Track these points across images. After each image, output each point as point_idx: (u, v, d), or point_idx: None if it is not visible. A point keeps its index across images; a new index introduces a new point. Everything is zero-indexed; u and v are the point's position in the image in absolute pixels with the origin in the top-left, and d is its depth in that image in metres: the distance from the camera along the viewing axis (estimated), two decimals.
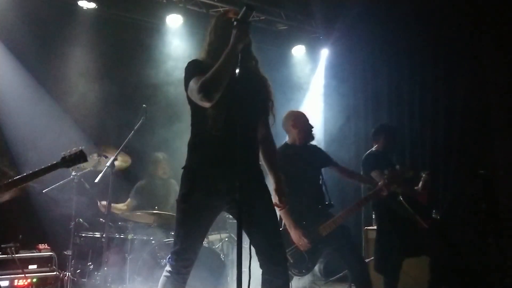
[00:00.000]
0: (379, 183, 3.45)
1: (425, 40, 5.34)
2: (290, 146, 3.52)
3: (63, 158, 2.65)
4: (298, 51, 6.58)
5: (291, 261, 3.24)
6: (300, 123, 3.51)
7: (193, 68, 2.26)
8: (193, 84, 2.17)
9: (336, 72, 6.43)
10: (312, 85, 6.67)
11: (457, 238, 3.88)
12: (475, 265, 3.96)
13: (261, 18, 5.99)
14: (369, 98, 6.12)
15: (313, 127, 3.56)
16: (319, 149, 3.69)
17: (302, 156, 3.45)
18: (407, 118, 5.55)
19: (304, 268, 3.33)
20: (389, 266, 3.67)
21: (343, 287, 4.76)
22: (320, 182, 3.53)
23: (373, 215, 4.65)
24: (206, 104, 2.15)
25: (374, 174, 3.73)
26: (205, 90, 2.09)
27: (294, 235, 3.25)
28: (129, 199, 4.69)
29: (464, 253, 3.84)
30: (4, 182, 2.49)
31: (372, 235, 4.42)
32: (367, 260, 4.11)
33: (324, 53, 6.61)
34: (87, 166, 4.04)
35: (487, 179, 4.23)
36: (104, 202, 4.17)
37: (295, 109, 3.78)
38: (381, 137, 3.96)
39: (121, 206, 4.59)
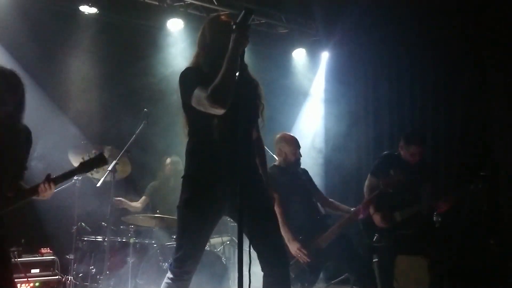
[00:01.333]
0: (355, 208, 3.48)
1: (426, 43, 5.33)
2: (277, 167, 3.63)
3: (82, 164, 2.52)
4: (299, 55, 6.59)
5: (293, 275, 3.25)
6: (290, 148, 3.61)
7: (194, 77, 2.23)
8: (200, 92, 2.13)
9: (337, 75, 6.41)
10: (313, 88, 6.67)
11: (458, 239, 3.87)
12: (476, 266, 3.95)
13: (261, 21, 6.01)
14: (370, 101, 6.10)
15: (301, 155, 3.65)
16: (309, 175, 3.80)
17: (289, 173, 3.56)
18: (408, 121, 5.55)
19: (306, 282, 3.35)
20: (385, 263, 3.68)
21: None
22: (312, 197, 3.60)
23: None
24: (219, 111, 2.12)
25: (368, 177, 3.78)
26: (217, 97, 2.08)
27: (292, 248, 3.28)
28: (144, 197, 4.72)
29: (465, 254, 3.84)
30: (23, 189, 2.43)
31: None
32: None
33: (325, 56, 6.61)
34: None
35: (487, 180, 4.23)
36: (119, 198, 4.21)
37: (287, 132, 3.85)
38: (401, 146, 3.80)
39: (135, 204, 4.61)
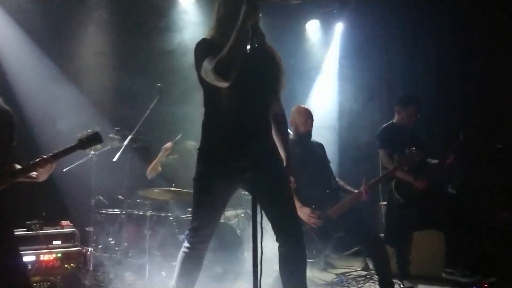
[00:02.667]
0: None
1: (442, 16, 5.20)
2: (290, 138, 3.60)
3: (80, 140, 2.66)
4: (312, 26, 6.48)
5: None
6: (301, 120, 3.60)
7: (205, 49, 2.22)
8: (207, 64, 2.13)
9: (351, 46, 6.31)
10: (326, 61, 6.58)
11: (472, 213, 3.87)
12: (491, 239, 3.96)
13: None
14: (383, 74, 6.01)
15: (311, 128, 3.64)
16: (324, 150, 3.77)
17: (303, 145, 3.54)
18: (421, 93, 5.46)
19: (314, 249, 3.39)
20: (399, 237, 3.71)
21: (357, 261, 4.82)
22: (325, 169, 3.59)
23: None
24: (224, 84, 2.11)
25: (381, 152, 3.76)
26: (221, 70, 2.06)
27: (302, 213, 3.30)
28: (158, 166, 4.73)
29: (479, 228, 3.84)
30: (29, 163, 2.51)
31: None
32: (381, 235, 4.15)
33: (339, 27, 6.49)
34: (105, 145, 4.13)
35: (502, 153, 4.18)
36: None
37: (303, 105, 3.82)
38: (398, 109, 3.90)
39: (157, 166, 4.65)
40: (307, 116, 3.63)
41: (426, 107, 5.39)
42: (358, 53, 6.16)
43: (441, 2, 5.15)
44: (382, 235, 4.16)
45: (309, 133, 3.64)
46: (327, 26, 6.50)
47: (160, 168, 4.72)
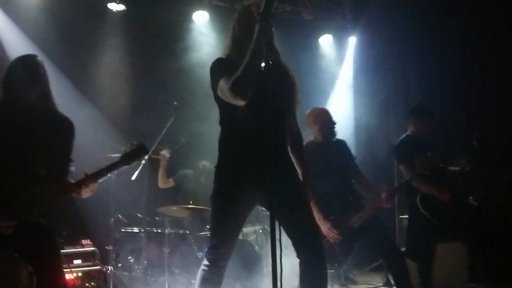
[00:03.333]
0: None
1: (456, 27, 5.14)
2: (312, 142, 3.54)
3: (123, 156, 2.44)
4: (325, 41, 6.51)
5: None
6: (322, 119, 3.51)
7: (220, 68, 2.26)
8: (223, 83, 2.16)
9: (365, 60, 6.30)
10: (340, 75, 6.57)
11: (495, 224, 3.78)
12: None
13: (286, 9, 5.96)
14: (399, 87, 5.96)
15: (335, 123, 3.55)
16: (347, 146, 3.67)
17: (325, 151, 3.46)
18: (437, 104, 5.40)
19: (336, 262, 3.34)
20: (422, 251, 3.64)
21: (378, 276, 4.74)
22: (348, 175, 3.53)
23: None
24: (240, 103, 2.14)
25: (401, 167, 3.69)
26: (238, 89, 2.09)
27: (323, 227, 3.27)
28: (170, 179, 4.78)
29: (502, 240, 3.75)
30: (73, 182, 2.39)
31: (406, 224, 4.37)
32: (402, 249, 4.08)
33: (352, 41, 6.51)
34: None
35: None
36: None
37: (319, 106, 3.78)
38: (413, 120, 3.83)
39: (165, 179, 4.70)
40: (327, 114, 3.56)
41: (443, 117, 5.37)
42: (373, 66, 6.15)
43: (456, 12, 5.12)
44: (402, 249, 4.09)
45: (333, 131, 3.53)
46: (340, 41, 6.52)
47: (171, 180, 4.75)
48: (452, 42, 5.25)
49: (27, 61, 2.41)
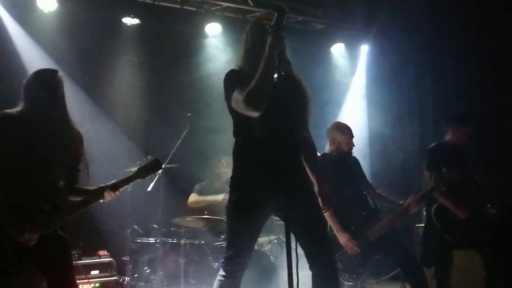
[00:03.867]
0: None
1: (472, 35, 5.05)
2: (327, 155, 3.56)
3: (139, 169, 2.62)
4: (337, 49, 6.52)
5: (341, 266, 3.23)
6: (345, 137, 3.53)
7: (234, 79, 2.29)
8: (237, 95, 2.19)
9: (377, 68, 6.27)
10: (353, 84, 6.55)
11: None
12: None
13: (297, 19, 6.00)
14: (413, 96, 5.86)
15: (353, 146, 3.57)
16: (360, 164, 3.70)
17: (340, 164, 3.48)
18: (453, 111, 5.34)
19: (354, 273, 3.32)
20: (438, 259, 3.58)
21: (395, 286, 4.68)
22: (364, 189, 3.53)
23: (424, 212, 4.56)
24: (254, 114, 2.15)
25: (426, 174, 3.65)
26: (252, 101, 2.11)
27: (341, 238, 3.26)
28: (193, 193, 4.79)
29: None
30: (88, 197, 2.53)
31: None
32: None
33: (364, 49, 6.50)
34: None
35: None
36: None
37: (341, 121, 3.80)
38: (452, 128, 3.66)
39: (211, 198, 4.66)
40: (350, 134, 3.57)
41: None
42: (386, 75, 6.12)
43: (472, 20, 5.04)
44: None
45: (351, 151, 3.57)
46: (352, 49, 6.52)
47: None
48: (468, 50, 5.16)
49: (49, 76, 2.48)
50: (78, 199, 2.52)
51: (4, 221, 2.21)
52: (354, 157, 3.67)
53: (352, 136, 3.58)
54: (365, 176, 3.69)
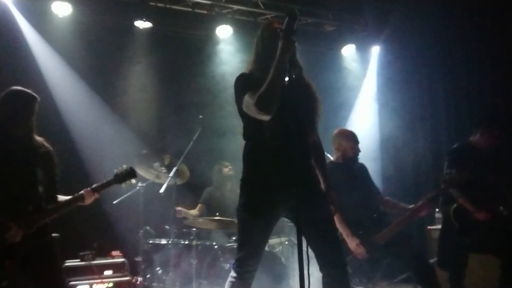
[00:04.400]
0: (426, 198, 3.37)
1: (486, 38, 4.98)
2: (334, 163, 3.58)
3: (116, 175, 2.81)
4: (348, 51, 6.51)
5: (350, 271, 3.23)
6: (349, 144, 3.57)
7: (244, 83, 2.32)
8: (248, 99, 2.22)
9: (389, 70, 6.22)
10: (364, 86, 6.50)
11: None
12: None
13: (308, 21, 6.01)
14: (425, 97, 5.81)
15: (360, 151, 3.59)
16: (368, 171, 3.72)
17: (347, 170, 3.51)
18: (466, 117, 5.27)
19: (364, 278, 3.32)
20: (454, 261, 3.56)
21: None
22: (371, 194, 3.55)
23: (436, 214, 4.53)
24: (265, 117, 2.18)
25: (446, 172, 3.61)
26: (263, 104, 2.14)
27: (351, 243, 3.27)
28: (199, 205, 4.87)
29: None
30: (72, 197, 2.68)
31: (435, 235, 4.29)
32: (431, 261, 4.00)
33: (375, 50, 6.48)
34: (149, 178, 4.31)
35: None
36: (179, 208, 4.42)
37: (345, 128, 3.82)
38: (482, 130, 3.63)
39: (193, 212, 4.76)
40: (355, 140, 3.61)
41: (471, 132, 5.22)
42: (397, 76, 6.07)
43: (485, 23, 4.99)
44: (432, 260, 4.02)
45: (357, 157, 3.61)
46: (363, 51, 6.48)
47: (202, 206, 4.83)
48: (481, 52, 5.10)
49: (20, 97, 2.59)
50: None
51: None
52: (361, 163, 3.70)
53: (357, 142, 3.60)
54: (372, 182, 3.71)
